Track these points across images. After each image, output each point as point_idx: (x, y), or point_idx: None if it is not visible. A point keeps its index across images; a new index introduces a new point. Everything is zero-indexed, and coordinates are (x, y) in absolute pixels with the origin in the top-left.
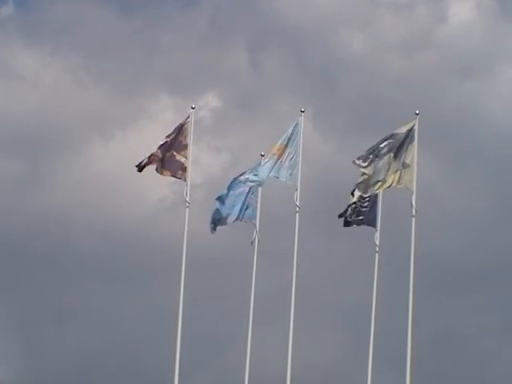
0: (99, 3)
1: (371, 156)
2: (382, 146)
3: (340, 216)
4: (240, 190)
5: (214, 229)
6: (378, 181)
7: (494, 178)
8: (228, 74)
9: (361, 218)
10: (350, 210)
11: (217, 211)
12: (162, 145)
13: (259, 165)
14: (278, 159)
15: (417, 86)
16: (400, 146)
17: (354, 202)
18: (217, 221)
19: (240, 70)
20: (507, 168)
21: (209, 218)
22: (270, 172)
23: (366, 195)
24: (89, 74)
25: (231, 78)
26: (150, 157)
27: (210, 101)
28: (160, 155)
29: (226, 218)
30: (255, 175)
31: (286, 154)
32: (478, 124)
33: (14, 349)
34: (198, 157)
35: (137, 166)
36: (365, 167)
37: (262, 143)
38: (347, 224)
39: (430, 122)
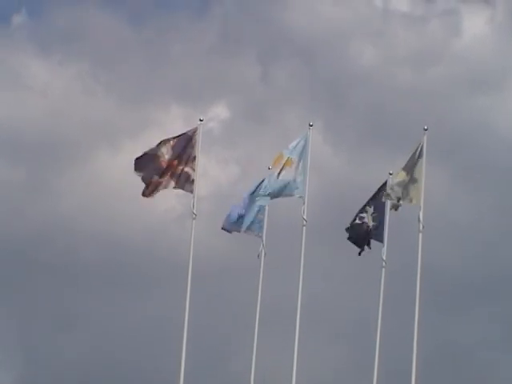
0: (110, 12)
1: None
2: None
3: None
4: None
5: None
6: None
7: (503, 194)
8: (238, 84)
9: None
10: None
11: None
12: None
13: (271, 180)
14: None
15: (428, 100)
16: (410, 161)
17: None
18: (233, 224)
19: (250, 81)
20: None
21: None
22: (285, 188)
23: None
24: (98, 83)
25: (241, 88)
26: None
27: (220, 112)
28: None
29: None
30: (267, 194)
31: (298, 168)
32: (489, 139)
33: (14, 355)
34: (206, 168)
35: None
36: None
37: (270, 156)
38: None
39: (440, 137)
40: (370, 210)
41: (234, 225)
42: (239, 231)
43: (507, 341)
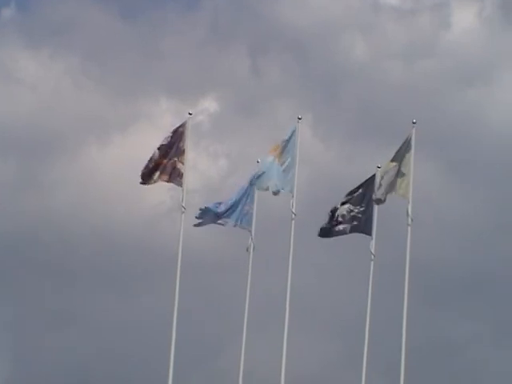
0: (100, 6)
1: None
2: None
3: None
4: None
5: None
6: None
7: (493, 187)
8: (228, 78)
9: (355, 223)
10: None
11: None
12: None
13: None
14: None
15: (418, 94)
16: (399, 154)
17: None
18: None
19: (240, 75)
20: (506, 177)
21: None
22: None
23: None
24: (88, 77)
25: (231, 82)
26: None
27: (210, 105)
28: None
29: (221, 217)
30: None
31: (283, 160)
32: (479, 132)
33: (4, 353)
34: (195, 162)
35: (142, 181)
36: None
37: (260, 149)
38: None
39: (430, 130)
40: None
41: (216, 216)
42: (223, 224)
43: (496, 336)
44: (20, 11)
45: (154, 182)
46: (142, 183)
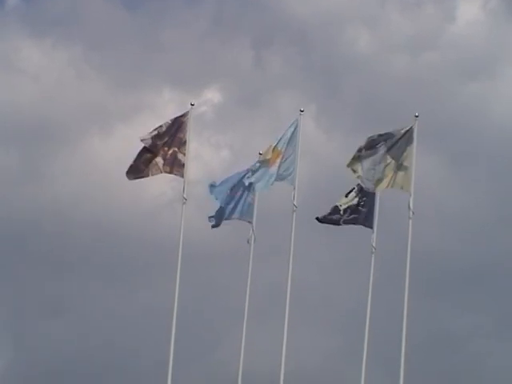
0: None
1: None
2: (377, 146)
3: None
4: (239, 193)
5: (216, 225)
6: (378, 179)
7: (494, 181)
8: (232, 70)
9: (355, 216)
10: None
11: (220, 209)
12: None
13: (259, 167)
14: (274, 164)
15: (421, 87)
16: (398, 147)
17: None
18: (219, 218)
19: (243, 66)
20: (508, 170)
21: (210, 213)
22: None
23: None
24: (91, 66)
25: (235, 74)
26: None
27: (213, 96)
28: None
29: (229, 216)
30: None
31: (284, 156)
32: (482, 125)
33: (3, 341)
34: (198, 153)
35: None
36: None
37: (262, 140)
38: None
39: (433, 123)
40: (352, 194)
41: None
42: (229, 219)
43: (498, 329)
44: (24, 0)
45: (152, 173)
46: (135, 177)
